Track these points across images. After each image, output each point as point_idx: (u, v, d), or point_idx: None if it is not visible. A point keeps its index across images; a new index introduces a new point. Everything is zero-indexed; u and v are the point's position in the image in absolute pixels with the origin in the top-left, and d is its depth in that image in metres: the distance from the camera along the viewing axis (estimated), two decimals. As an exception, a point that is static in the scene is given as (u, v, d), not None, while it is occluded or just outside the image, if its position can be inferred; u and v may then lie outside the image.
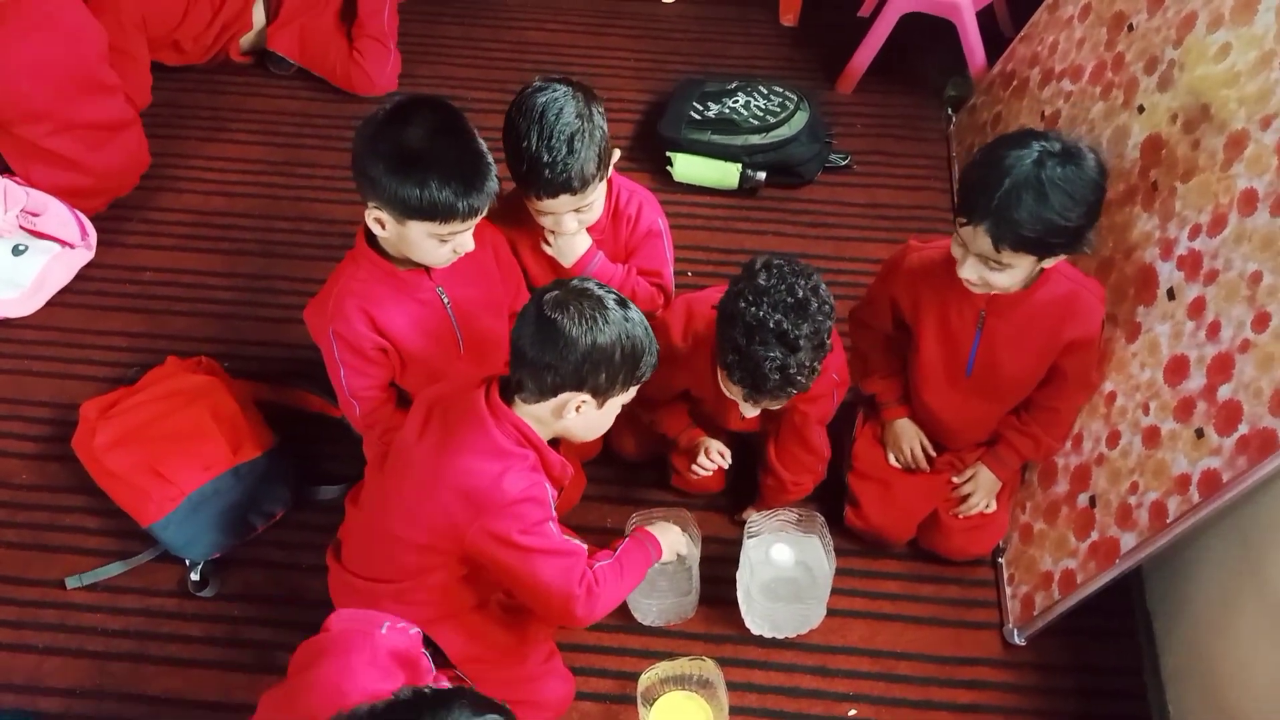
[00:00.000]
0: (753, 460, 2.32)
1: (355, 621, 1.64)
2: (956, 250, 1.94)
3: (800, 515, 2.23)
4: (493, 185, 1.85)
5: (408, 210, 1.81)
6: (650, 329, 1.75)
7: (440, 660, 1.95)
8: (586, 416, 1.75)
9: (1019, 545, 2.28)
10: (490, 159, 1.86)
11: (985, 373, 2.12)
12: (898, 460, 2.31)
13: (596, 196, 2.09)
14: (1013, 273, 1.90)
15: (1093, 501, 2.09)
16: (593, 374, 1.69)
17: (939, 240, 2.12)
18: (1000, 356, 2.09)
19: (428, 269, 1.99)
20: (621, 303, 1.72)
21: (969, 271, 1.92)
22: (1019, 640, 2.20)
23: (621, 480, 2.48)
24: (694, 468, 2.23)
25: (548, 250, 2.17)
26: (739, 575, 2.19)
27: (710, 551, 2.31)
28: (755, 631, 2.20)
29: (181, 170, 3.14)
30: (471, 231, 1.91)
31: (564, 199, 2.02)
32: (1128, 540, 1.96)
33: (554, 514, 1.77)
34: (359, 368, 2.03)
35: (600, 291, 1.71)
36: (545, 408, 1.73)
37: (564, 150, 1.95)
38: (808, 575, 2.18)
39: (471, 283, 2.09)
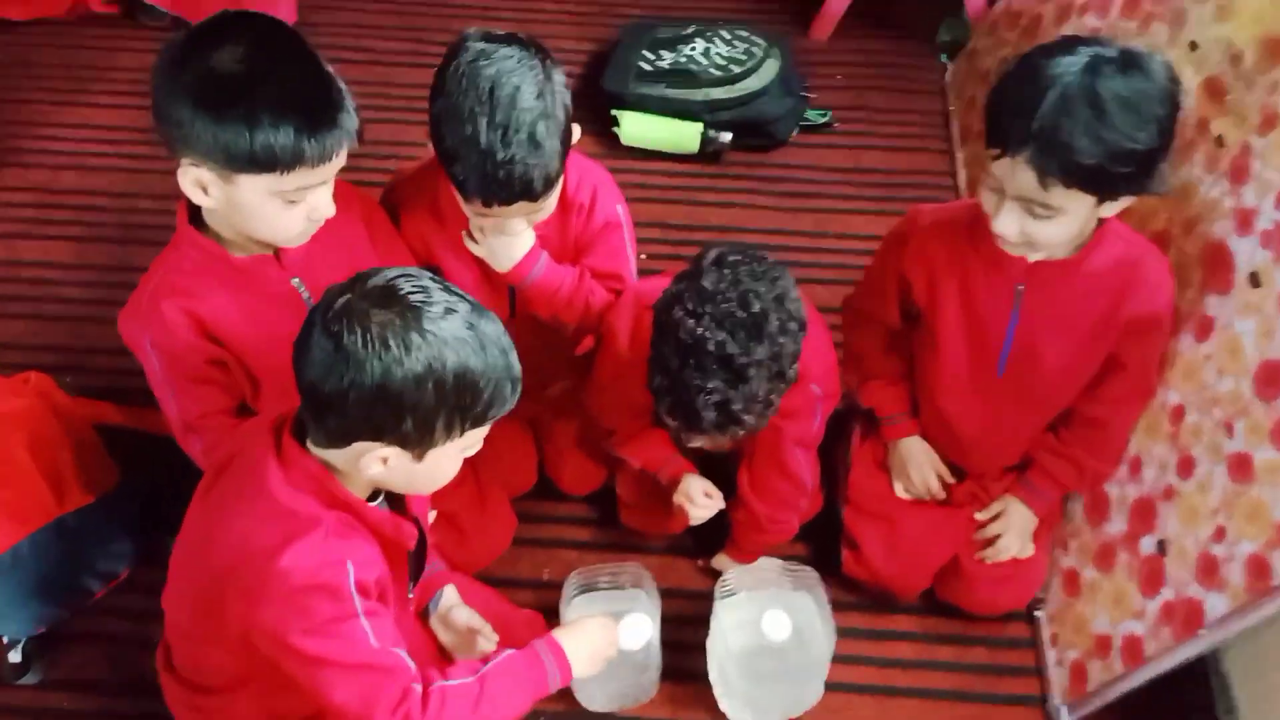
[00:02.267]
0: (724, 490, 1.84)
1: None
2: (988, 198, 1.48)
3: (787, 567, 1.76)
4: (350, 120, 1.38)
5: (233, 160, 1.34)
6: (505, 343, 1.23)
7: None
8: (401, 470, 1.25)
9: (1063, 597, 1.82)
10: (341, 84, 1.39)
11: (1022, 367, 1.66)
12: (906, 491, 1.85)
13: (556, 193, 1.62)
14: (1063, 221, 1.46)
15: (1161, 548, 1.64)
16: (391, 419, 1.19)
17: (953, 202, 1.66)
18: (1042, 343, 1.63)
19: (276, 253, 1.51)
20: (449, 308, 1.19)
21: (1006, 223, 1.46)
22: (1068, 720, 1.75)
23: (561, 519, 2.02)
24: (691, 514, 1.77)
25: (474, 249, 1.68)
26: (710, 645, 1.71)
27: (675, 609, 1.84)
28: (732, 717, 1.74)
29: (26, 141, 2.65)
30: (330, 188, 1.44)
31: (520, 206, 1.56)
32: (1216, 604, 1.51)
33: (370, 605, 1.26)
34: (189, 390, 1.56)
35: (414, 292, 1.18)
36: (338, 456, 1.25)
37: (526, 147, 1.48)
38: (799, 645, 1.72)
39: (338, 267, 1.58)
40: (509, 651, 1.40)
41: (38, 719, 1.75)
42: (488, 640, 1.58)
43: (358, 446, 1.22)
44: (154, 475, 1.93)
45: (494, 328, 1.23)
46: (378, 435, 1.20)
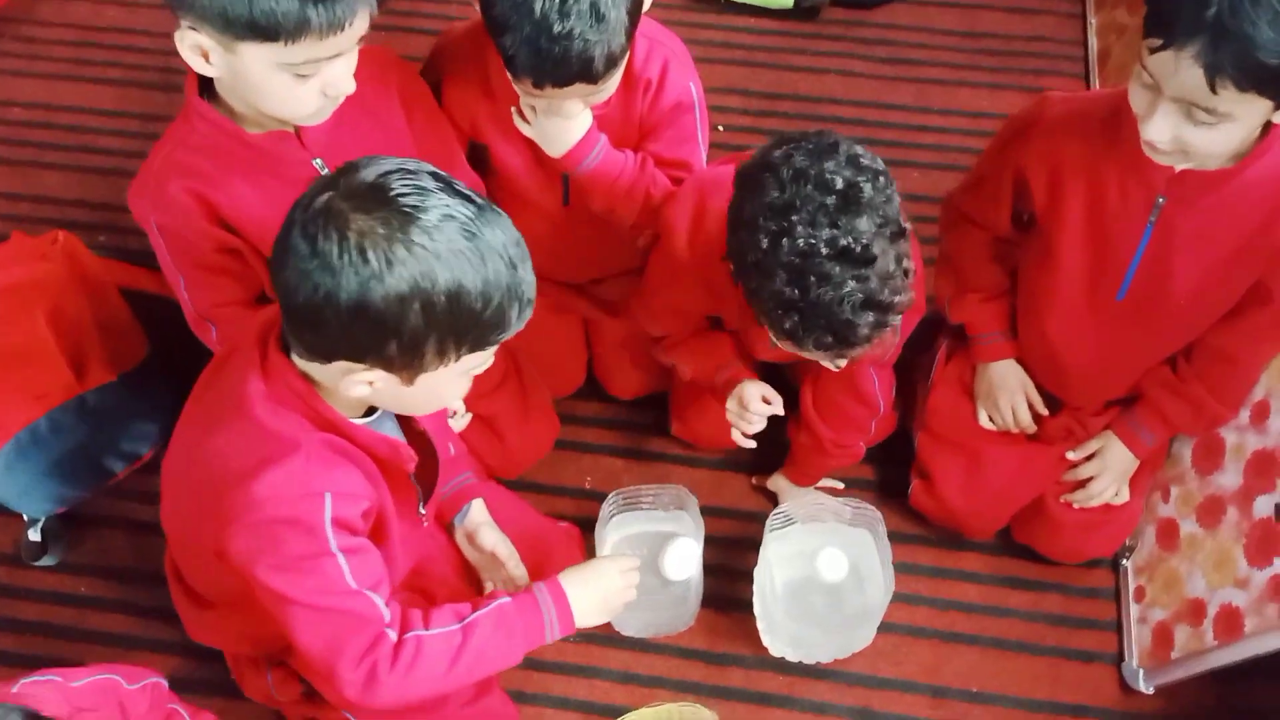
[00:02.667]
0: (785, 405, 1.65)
1: None
2: (1139, 95, 1.23)
3: (847, 502, 1.59)
4: None
5: (232, 26, 1.16)
6: (515, 254, 1.05)
7: (318, 698, 1.42)
8: (389, 394, 1.11)
9: (1156, 548, 1.63)
10: None
11: (1149, 291, 1.42)
12: (992, 420, 1.64)
13: (619, 73, 1.41)
14: (1228, 129, 1.20)
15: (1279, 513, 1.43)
16: (371, 340, 1.03)
17: (1091, 91, 1.41)
18: (1176, 265, 1.38)
19: (297, 130, 1.34)
20: (447, 214, 1.01)
21: (1158, 129, 1.21)
22: (1144, 687, 1.57)
23: (609, 422, 1.86)
24: (737, 428, 1.57)
25: (524, 130, 1.48)
26: (757, 577, 1.57)
27: (723, 530, 1.71)
28: (775, 654, 1.60)
29: (67, -30, 2.47)
30: (350, 60, 1.25)
31: (578, 88, 1.35)
32: (1338, 589, 1.31)
33: (351, 542, 1.14)
34: (200, 279, 1.42)
35: (407, 193, 1.01)
36: (322, 372, 1.10)
37: (587, 18, 1.28)
38: (854, 587, 1.57)
39: (368, 148, 1.37)
40: (502, 600, 1.25)
41: (56, 603, 1.70)
42: (515, 571, 1.46)
43: (339, 365, 1.07)
44: (185, 350, 1.82)
45: (501, 236, 1.04)
46: (358, 356, 1.05)
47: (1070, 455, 1.62)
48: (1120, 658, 1.61)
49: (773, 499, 1.74)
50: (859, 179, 1.21)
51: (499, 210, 1.06)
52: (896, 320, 1.25)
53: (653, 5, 1.43)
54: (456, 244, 1.00)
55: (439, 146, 1.53)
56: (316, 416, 1.12)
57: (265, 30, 1.16)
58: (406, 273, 0.98)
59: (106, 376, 1.72)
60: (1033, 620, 1.65)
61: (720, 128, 2.18)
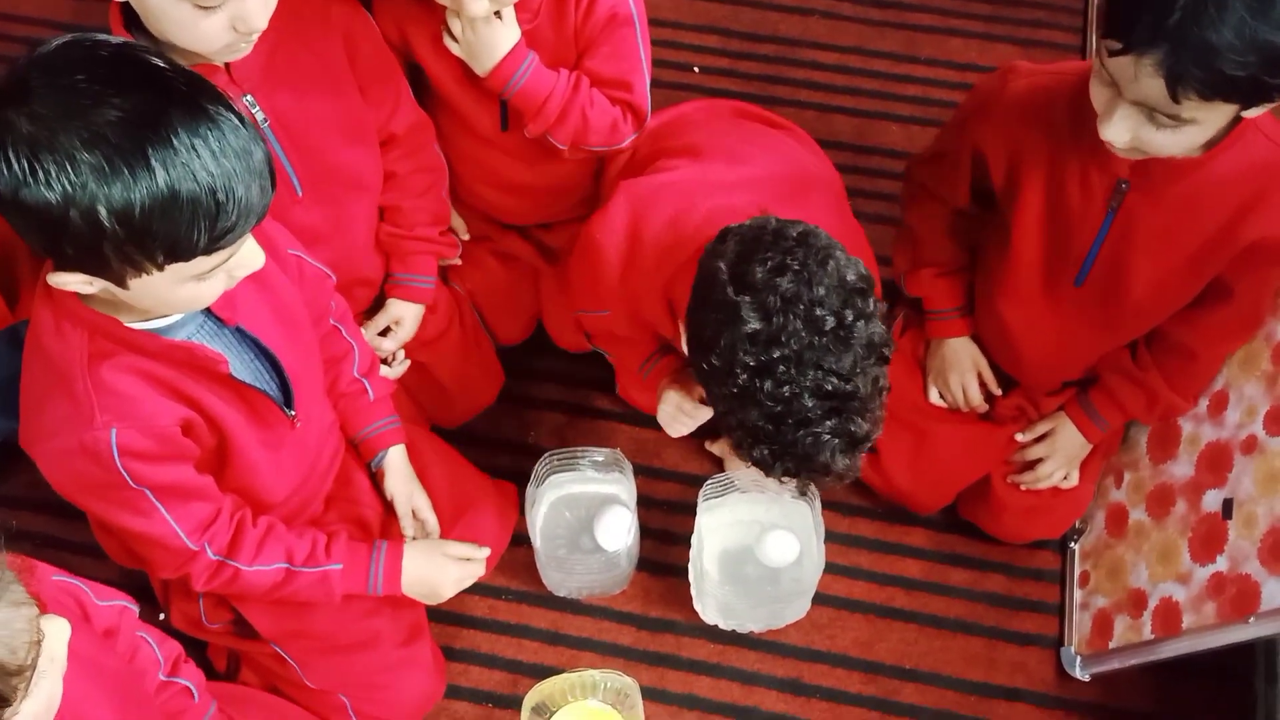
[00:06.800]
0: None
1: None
2: (1098, 92, 1.17)
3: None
4: None
5: None
6: (205, 158, 0.94)
7: (248, 632, 1.42)
8: (118, 294, 1.03)
9: (1104, 534, 1.59)
10: None
11: (1106, 280, 1.37)
12: (942, 398, 1.59)
13: None
14: (1191, 132, 1.14)
15: (1227, 509, 1.38)
16: (44, 241, 0.97)
17: (1061, 64, 1.36)
18: (1136, 257, 1.33)
19: (227, 65, 1.27)
20: (115, 112, 0.92)
21: (1117, 131, 1.15)
22: (1080, 674, 1.54)
23: (558, 377, 1.81)
24: (668, 426, 1.51)
25: (452, 48, 1.42)
26: (692, 543, 1.54)
27: (664, 492, 1.68)
28: (707, 621, 1.58)
29: None
30: None
31: None
32: (1276, 592, 1.27)
33: (160, 474, 1.15)
34: None
35: (75, 83, 0.92)
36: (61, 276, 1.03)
37: None
38: (793, 561, 1.53)
39: (306, 87, 1.35)
40: (333, 565, 1.32)
41: (-12, 533, 1.68)
42: (421, 521, 1.46)
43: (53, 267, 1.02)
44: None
45: (190, 130, 0.94)
46: (47, 253, 1.00)
47: (1020, 437, 1.57)
48: (1060, 642, 1.58)
49: (719, 463, 1.71)
50: (847, 310, 1.11)
51: (206, 101, 0.97)
52: (864, 450, 1.18)
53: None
54: (122, 148, 0.91)
55: (382, 91, 1.47)
56: (96, 330, 1.08)
57: None
58: (56, 185, 0.91)
59: (40, 306, 1.69)
60: (973, 599, 1.62)
61: (696, 69, 2.10)
